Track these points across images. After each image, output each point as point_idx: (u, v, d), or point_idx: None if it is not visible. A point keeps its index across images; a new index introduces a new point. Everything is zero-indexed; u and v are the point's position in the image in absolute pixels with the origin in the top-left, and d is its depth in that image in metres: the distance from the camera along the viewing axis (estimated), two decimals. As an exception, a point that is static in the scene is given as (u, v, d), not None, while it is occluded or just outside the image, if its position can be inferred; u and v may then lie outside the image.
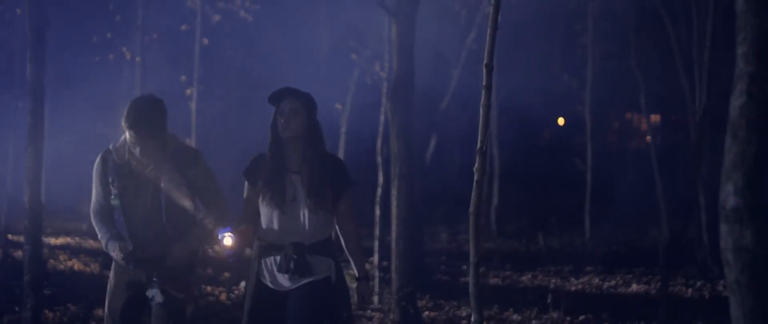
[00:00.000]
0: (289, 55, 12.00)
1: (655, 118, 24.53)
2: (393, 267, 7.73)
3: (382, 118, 9.10)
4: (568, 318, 8.06)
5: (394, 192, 7.72)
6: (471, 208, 3.88)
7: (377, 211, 8.99)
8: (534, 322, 7.87)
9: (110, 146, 4.56)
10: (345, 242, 4.43)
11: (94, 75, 9.74)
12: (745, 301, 2.17)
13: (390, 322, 7.61)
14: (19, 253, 11.23)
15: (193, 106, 9.63)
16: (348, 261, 4.46)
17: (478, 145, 3.92)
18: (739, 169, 2.09)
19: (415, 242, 8.44)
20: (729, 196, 2.14)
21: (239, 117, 12.13)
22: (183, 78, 11.83)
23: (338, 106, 11.66)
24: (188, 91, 11.98)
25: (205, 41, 11.10)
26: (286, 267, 4.22)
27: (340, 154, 12.70)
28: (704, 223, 12.50)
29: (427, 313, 8.16)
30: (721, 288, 10.31)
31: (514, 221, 16.19)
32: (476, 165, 3.88)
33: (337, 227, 4.42)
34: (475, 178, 3.90)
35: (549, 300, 7.99)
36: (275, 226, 4.28)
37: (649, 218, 15.67)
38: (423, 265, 10.07)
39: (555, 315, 8.11)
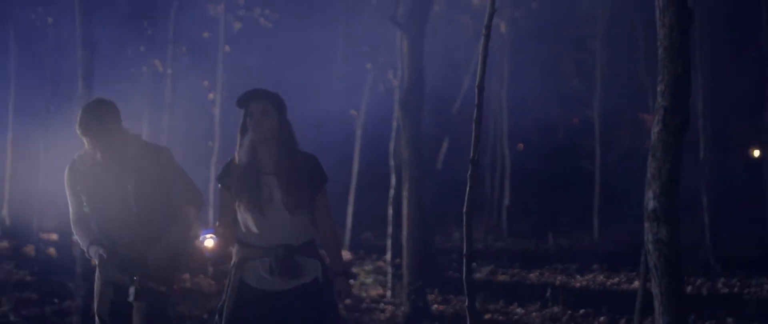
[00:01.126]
0: (307, 64, 12.74)
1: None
2: (404, 263, 8.42)
3: (394, 124, 9.78)
4: (569, 312, 8.69)
5: (405, 194, 8.41)
6: (465, 209, 4.52)
7: (390, 211, 9.68)
8: (535, 314, 8.54)
9: (75, 155, 4.57)
10: (323, 238, 4.41)
11: (128, 86, 10.43)
12: (662, 282, 2.82)
13: (401, 314, 8.31)
14: (51, 251, 11.99)
15: (217, 111, 10.32)
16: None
17: (471, 155, 4.58)
18: (656, 181, 2.73)
19: (425, 241, 9.12)
20: (649, 200, 2.79)
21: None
22: (205, 83, 12.57)
23: (353, 112, 12.38)
24: (210, 96, 12.73)
25: (227, 48, 11.81)
26: (277, 269, 4.17)
27: (355, 157, 13.41)
28: (707, 223, 13.12)
29: (436, 306, 8.83)
30: (720, 286, 10.92)
31: (526, 221, 16.80)
32: (470, 173, 4.54)
33: (315, 223, 4.37)
34: (469, 185, 4.55)
35: (548, 294, 8.66)
36: (256, 229, 4.24)
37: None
38: (434, 263, 10.71)
39: (556, 309, 8.77)
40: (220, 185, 4.31)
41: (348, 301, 8.52)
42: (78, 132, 4.32)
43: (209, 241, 4.25)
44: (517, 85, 15.70)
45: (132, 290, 4.33)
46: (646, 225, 2.79)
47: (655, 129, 2.78)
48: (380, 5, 10.86)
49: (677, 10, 2.72)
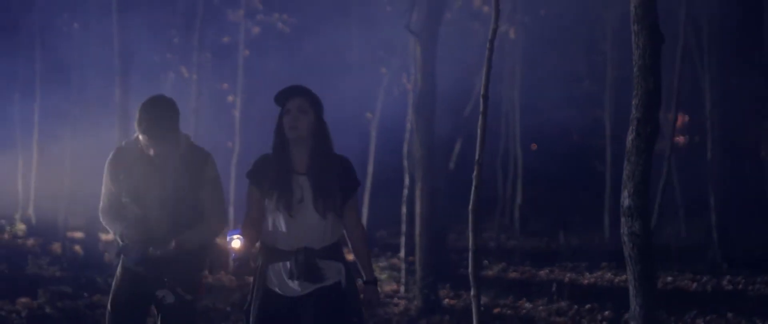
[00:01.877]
0: (324, 69, 13.27)
1: (681, 118, 25.48)
2: (417, 260, 8.92)
3: (408, 125, 10.26)
4: (576, 307, 9.15)
5: (418, 193, 8.91)
6: (471, 207, 5.02)
7: (404, 210, 10.17)
8: (541, 309, 9.01)
9: (122, 143, 4.63)
10: (353, 244, 4.38)
11: (157, 91, 10.97)
12: (635, 268, 3.29)
13: (414, 307, 8.79)
14: (77, 248, 12.54)
15: (237, 113, 10.84)
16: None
17: (476, 158, 5.06)
18: (631, 181, 3.20)
19: (437, 238, 9.59)
20: (625, 199, 3.25)
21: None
22: (225, 86, 13.10)
23: (369, 115, 12.91)
24: (230, 98, 13.27)
25: (246, 52, 12.33)
26: (297, 273, 4.13)
27: (370, 158, 13.94)
28: (714, 222, 13.53)
29: (447, 300, 9.30)
30: (725, 283, 11.34)
31: (538, 220, 17.23)
32: (475, 174, 5.02)
33: (344, 229, 4.36)
34: (474, 185, 5.03)
35: (553, 289, 9.14)
36: (283, 229, 4.19)
37: (667, 217, 16.71)
38: (447, 260, 11.17)
39: (563, 304, 9.23)
40: (249, 181, 4.26)
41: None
42: (138, 129, 4.36)
43: (236, 242, 4.14)
44: (530, 86, 16.14)
45: (167, 292, 4.43)
46: (622, 220, 3.26)
47: (630, 137, 3.25)
48: (395, 12, 11.35)
49: (650, 33, 3.18)
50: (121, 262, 4.54)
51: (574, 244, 15.08)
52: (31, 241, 13.40)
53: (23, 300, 8.31)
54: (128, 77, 6.81)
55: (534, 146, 20.84)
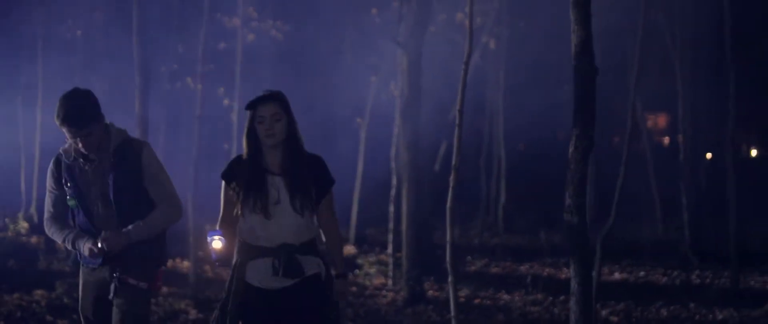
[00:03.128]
0: (317, 75, 14.17)
1: (661, 119, 26.44)
2: (403, 255, 9.81)
3: (395, 130, 11.15)
4: (550, 298, 10.05)
5: (404, 193, 9.80)
6: (448, 205, 5.89)
7: (391, 209, 11.04)
8: (518, 300, 9.91)
9: (60, 149, 4.62)
10: (327, 240, 4.51)
11: (164, 100, 11.83)
12: (574, 253, 4.15)
13: (400, 298, 9.67)
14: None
15: (234, 117, 11.68)
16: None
17: (453, 162, 5.95)
18: (571, 184, 4.06)
19: (423, 235, 10.48)
20: (567, 198, 4.11)
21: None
22: (221, 89, 13.96)
23: (359, 120, 13.82)
24: (226, 102, 14.13)
25: (240, 59, 13.18)
26: (279, 270, 4.25)
27: (360, 160, 14.85)
28: (686, 220, 14.48)
29: (431, 292, 10.18)
30: (694, 277, 12.26)
31: (521, 218, 18.13)
32: (452, 176, 5.91)
33: (319, 226, 4.47)
34: (451, 186, 5.91)
35: (529, 281, 10.06)
36: (260, 229, 4.30)
37: (646, 216, 17.67)
38: (433, 255, 12.05)
39: (539, 296, 10.13)
40: (224, 182, 4.37)
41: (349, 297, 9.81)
42: (57, 122, 4.36)
43: (217, 242, 4.22)
44: (513, 90, 17.04)
45: (112, 287, 4.43)
46: (564, 215, 4.13)
47: (570, 149, 4.11)
48: (383, 24, 12.24)
49: (586, 68, 4.05)
50: (81, 269, 4.63)
51: (555, 241, 15.97)
52: (34, 239, 14.11)
53: (39, 292, 9.12)
54: (148, 93, 7.62)
55: (522, 146, 21.75)
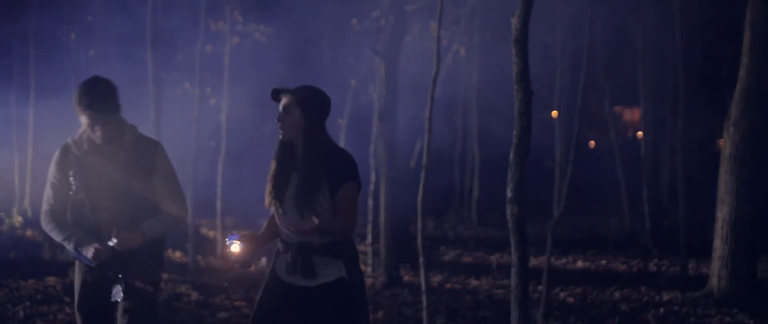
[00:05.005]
0: (299, 78, 15.43)
1: (636, 113, 27.95)
2: (381, 243, 11.22)
3: (374, 130, 12.54)
4: (515, 283, 11.49)
5: (382, 188, 11.21)
6: (419, 198, 7.28)
7: (370, 203, 12.46)
8: (485, 284, 11.34)
9: (69, 140, 4.60)
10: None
11: (168, 101, 13.09)
12: (514, 236, 5.54)
13: (379, 283, 11.09)
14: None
15: (223, 118, 13.01)
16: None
17: (423, 162, 7.34)
18: (513, 181, 5.44)
19: (399, 226, 11.88)
20: (508, 192, 5.50)
21: (261, 127, 15.82)
22: (208, 90, 15.29)
23: (340, 121, 15.24)
24: (212, 101, 15.46)
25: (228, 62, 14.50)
26: (293, 268, 4.31)
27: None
28: (647, 212, 15.98)
29: (406, 277, 11.57)
30: (651, 265, 13.73)
31: (494, 212, 19.58)
32: (422, 173, 7.30)
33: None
34: (422, 182, 7.30)
35: (494, 266, 11.51)
36: (281, 225, 4.41)
37: (612, 209, 19.21)
38: (409, 246, 13.44)
39: (506, 281, 11.56)
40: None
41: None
42: (79, 107, 4.38)
43: (235, 246, 4.30)
44: (487, 89, 18.48)
45: (118, 289, 4.50)
46: (508, 206, 5.52)
47: (511, 154, 5.48)
48: (362, 31, 13.63)
49: (524, 90, 5.43)
50: (78, 267, 4.65)
51: (526, 233, 17.42)
52: (29, 232, 15.24)
53: (51, 279, 10.39)
54: (160, 100, 8.90)
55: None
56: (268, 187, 4.41)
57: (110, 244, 4.44)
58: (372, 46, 10.94)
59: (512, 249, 5.45)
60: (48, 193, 4.60)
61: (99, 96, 4.41)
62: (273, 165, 4.42)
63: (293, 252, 4.31)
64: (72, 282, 10.23)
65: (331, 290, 4.31)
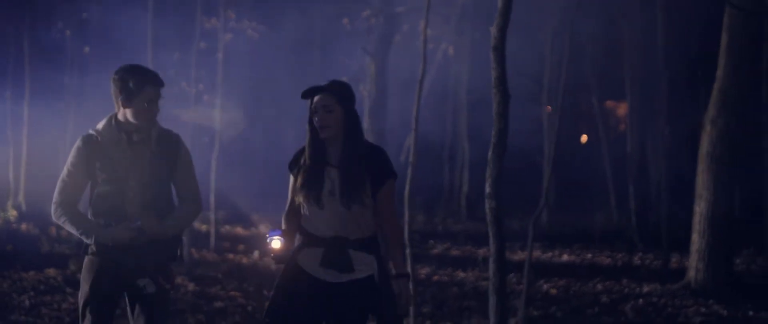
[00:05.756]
0: (293, 75, 16.09)
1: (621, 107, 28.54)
2: (371, 237, 11.82)
3: (364, 126, 13.12)
4: (501, 276, 12.07)
5: (372, 183, 11.80)
6: (406, 192, 7.84)
7: (361, 197, 13.06)
8: (471, 276, 11.93)
9: (91, 131, 4.61)
10: (385, 238, 4.61)
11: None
12: (492, 229, 6.14)
13: (369, 275, 11.67)
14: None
15: (217, 112, 13.56)
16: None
17: (411, 159, 7.90)
18: (490, 177, 6.00)
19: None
20: (487, 187, 6.05)
21: (255, 124, 16.40)
22: (201, 86, 15.84)
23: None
24: (205, 98, 16.02)
25: (221, 55, 15.03)
26: (328, 262, 4.37)
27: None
28: (633, 208, 16.59)
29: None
30: (636, 259, 14.32)
31: (483, 207, 20.19)
32: (409, 170, 7.85)
33: (378, 222, 4.55)
34: (408, 178, 7.85)
35: (480, 259, 12.10)
36: (316, 220, 4.44)
37: (600, 204, 19.83)
38: (398, 240, 14.06)
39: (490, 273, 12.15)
40: (290, 173, 4.58)
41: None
42: (132, 86, 4.47)
43: (276, 242, 4.35)
44: (477, 84, 19.06)
45: (146, 281, 4.57)
46: (486, 201, 6.09)
47: (490, 153, 6.05)
48: (353, 30, 14.21)
49: (502, 93, 5.99)
50: (95, 253, 4.62)
51: (514, 227, 17.99)
52: (24, 226, 15.79)
53: (51, 270, 10.94)
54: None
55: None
56: (300, 184, 4.47)
57: (134, 226, 4.50)
58: (363, 46, 11.50)
59: (490, 240, 6.03)
60: (66, 181, 4.58)
61: (156, 76, 4.60)
62: (306, 162, 4.48)
63: (328, 245, 4.40)
64: (73, 274, 10.87)
65: (361, 287, 4.41)
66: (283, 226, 4.59)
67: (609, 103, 25.76)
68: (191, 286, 10.18)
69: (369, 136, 11.94)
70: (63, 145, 16.58)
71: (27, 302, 8.86)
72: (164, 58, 12.70)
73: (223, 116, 13.50)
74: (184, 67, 13.60)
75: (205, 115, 13.04)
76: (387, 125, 11.77)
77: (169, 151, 4.65)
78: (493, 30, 5.94)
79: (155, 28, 9.97)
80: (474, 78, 18.15)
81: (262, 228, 15.87)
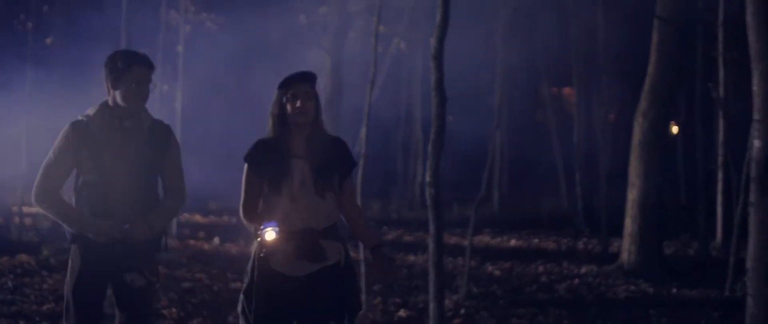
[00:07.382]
0: (252, 67, 17.20)
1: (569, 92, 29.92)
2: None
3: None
4: (450, 258, 13.36)
5: (328, 172, 13.04)
6: (358, 183, 9.07)
7: (317, 186, 14.30)
8: (421, 259, 13.21)
9: (81, 117, 4.60)
10: (352, 223, 4.80)
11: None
12: (432, 212, 7.41)
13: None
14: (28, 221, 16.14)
15: (178, 105, 14.67)
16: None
17: (362, 151, 9.14)
18: (430, 169, 7.19)
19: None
20: (427, 177, 7.27)
21: (218, 115, 17.52)
22: (166, 87, 16.94)
23: (289, 109, 16.96)
24: (165, 88, 17.10)
25: (180, 48, 16.10)
26: (303, 254, 4.47)
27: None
28: (579, 194, 17.96)
29: (354, 255, 13.40)
30: (580, 244, 15.69)
31: (441, 194, 21.46)
32: (361, 161, 9.09)
33: (341, 208, 4.74)
34: (360, 171, 9.08)
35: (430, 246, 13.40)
36: (285, 212, 4.50)
37: (551, 190, 21.26)
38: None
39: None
40: (247, 165, 4.59)
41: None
42: (122, 65, 4.51)
43: (270, 234, 4.39)
44: (430, 76, 20.31)
45: (134, 276, 4.63)
46: (427, 189, 7.35)
47: (430, 147, 7.30)
48: (310, 24, 15.37)
49: (440, 96, 7.24)
50: (80, 248, 4.63)
51: (467, 214, 19.30)
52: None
53: (24, 256, 11.94)
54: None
55: (451, 118, 24.96)
56: (272, 177, 4.57)
57: (123, 228, 4.57)
58: (318, 41, 12.70)
59: (430, 222, 7.29)
60: (50, 168, 4.58)
61: (146, 58, 4.67)
62: (275, 154, 4.59)
63: (300, 238, 4.50)
64: (46, 258, 11.93)
65: (331, 273, 4.59)
66: (244, 221, 4.67)
67: (554, 90, 27.11)
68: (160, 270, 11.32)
69: (326, 126, 13.16)
70: (33, 134, 17.45)
71: (10, 283, 9.96)
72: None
73: (182, 107, 14.61)
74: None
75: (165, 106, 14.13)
76: (342, 117, 12.94)
77: (160, 141, 4.70)
78: (433, 41, 7.13)
79: (128, 22, 11.08)
80: (426, 70, 19.37)
81: (225, 217, 17.05)
